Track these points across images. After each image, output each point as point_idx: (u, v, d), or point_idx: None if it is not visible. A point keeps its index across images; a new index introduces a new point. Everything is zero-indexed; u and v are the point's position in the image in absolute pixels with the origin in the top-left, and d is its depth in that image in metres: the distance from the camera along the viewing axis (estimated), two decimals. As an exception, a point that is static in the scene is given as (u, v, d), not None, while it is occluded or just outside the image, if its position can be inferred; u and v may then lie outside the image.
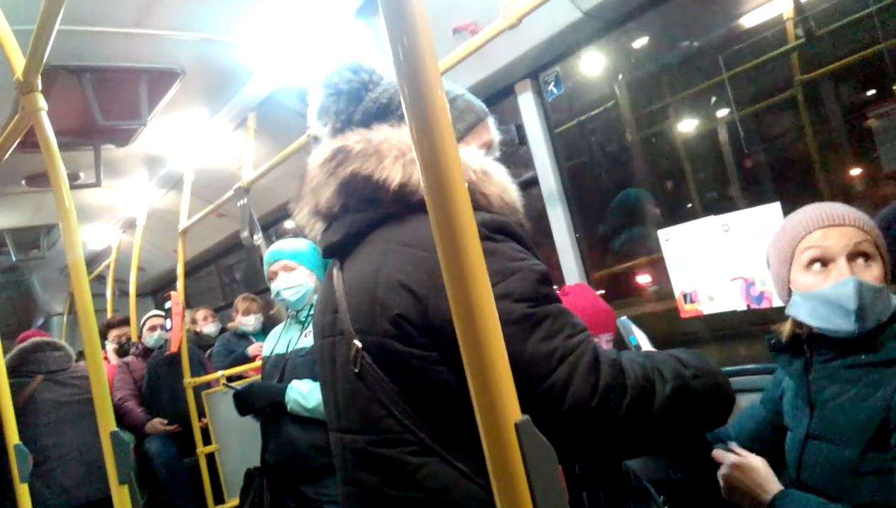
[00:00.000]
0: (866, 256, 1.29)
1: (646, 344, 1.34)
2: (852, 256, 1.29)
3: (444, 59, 2.37)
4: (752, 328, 2.85)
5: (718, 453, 1.40)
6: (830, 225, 1.31)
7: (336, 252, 1.14)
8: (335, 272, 1.13)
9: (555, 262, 3.06)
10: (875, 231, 1.31)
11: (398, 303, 0.95)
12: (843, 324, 1.25)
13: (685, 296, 2.60)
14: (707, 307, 2.54)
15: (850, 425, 1.25)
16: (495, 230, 0.97)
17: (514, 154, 3.24)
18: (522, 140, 3.06)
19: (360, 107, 1.14)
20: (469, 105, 1.23)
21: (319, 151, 1.11)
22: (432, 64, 0.58)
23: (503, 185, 1.08)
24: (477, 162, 1.07)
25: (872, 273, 1.27)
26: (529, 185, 3.19)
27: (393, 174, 1.01)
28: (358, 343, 0.99)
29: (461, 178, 0.59)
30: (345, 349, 1.03)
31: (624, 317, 1.42)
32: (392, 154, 1.03)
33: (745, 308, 2.41)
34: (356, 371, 0.99)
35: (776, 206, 2.26)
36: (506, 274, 0.92)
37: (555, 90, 2.94)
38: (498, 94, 3.11)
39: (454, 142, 0.59)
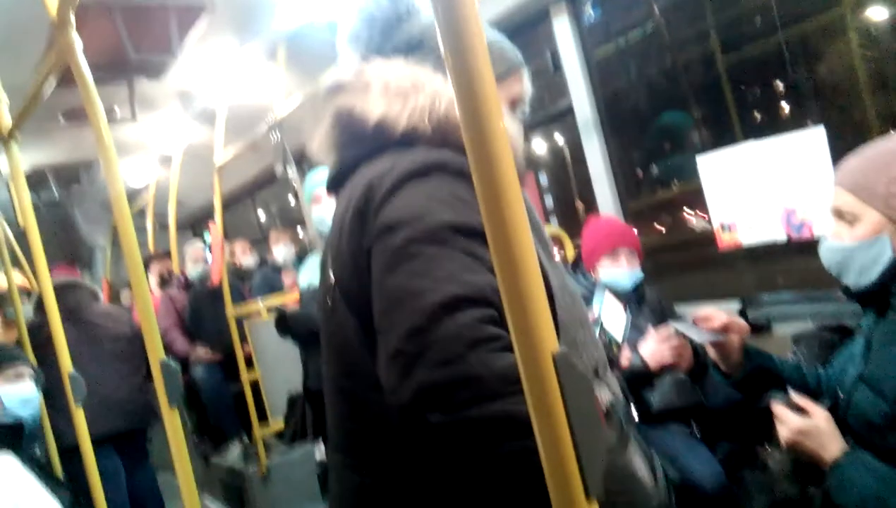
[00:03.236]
0: (845, 216, 1.29)
1: (612, 324, 1.27)
2: (835, 217, 1.32)
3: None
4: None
5: (780, 411, 1.31)
6: (833, 182, 1.33)
7: (331, 187, 1.10)
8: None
9: (590, 193, 3.03)
10: (866, 183, 1.26)
11: (354, 234, 0.91)
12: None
13: (723, 227, 2.56)
14: (746, 237, 2.50)
15: (891, 377, 1.23)
16: (449, 172, 0.89)
17: (549, 82, 3.17)
18: (557, 67, 2.97)
19: (393, 38, 1.06)
20: (501, 53, 1.08)
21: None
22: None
23: (515, 148, 0.92)
24: None
25: (854, 233, 1.28)
26: (564, 115, 3.12)
27: (372, 107, 0.96)
28: (332, 277, 0.96)
29: (497, 103, 0.58)
30: (325, 282, 1.01)
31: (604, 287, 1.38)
32: (378, 87, 0.97)
33: (784, 238, 2.37)
34: (329, 304, 0.97)
35: (820, 130, 2.19)
36: (415, 209, 0.85)
37: (592, 13, 2.84)
38: (532, 19, 3.02)
39: (490, 66, 0.57)
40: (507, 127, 0.96)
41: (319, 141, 1.07)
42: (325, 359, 1.05)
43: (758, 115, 3.27)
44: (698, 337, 1.53)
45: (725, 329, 1.48)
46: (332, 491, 1.05)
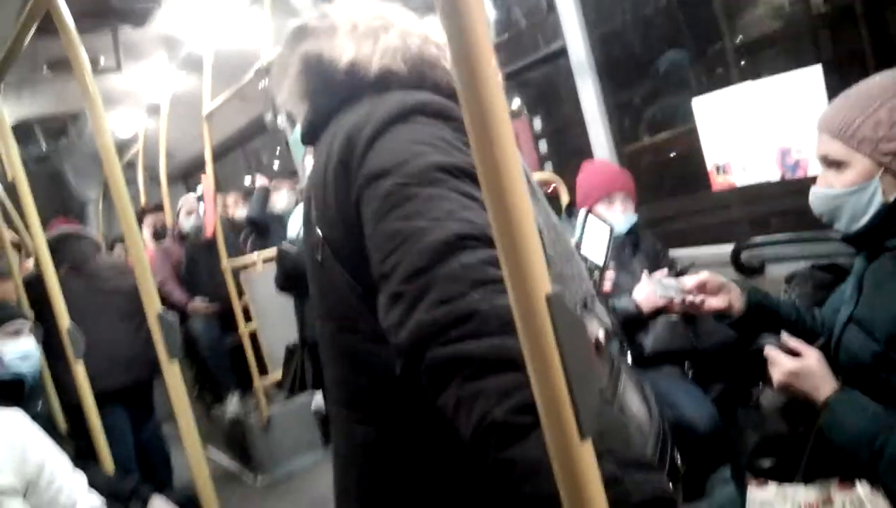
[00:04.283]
0: (833, 163, 1.27)
1: (593, 249, 1.25)
2: (823, 163, 1.30)
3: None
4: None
5: (772, 354, 1.32)
6: (817, 129, 1.30)
7: (306, 140, 1.06)
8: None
9: (585, 137, 3.00)
10: (851, 128, 1.23)
11: (339, 187, 0.87)
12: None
13: (717, 168, 2.55)
14: (740, 178, 2.49)
15: (882, 317, 1.23)
16: (429, 114, 0.85)
17: (542, 23, 3.10)
18: (550, 6, 2.91)
19: None
20: None
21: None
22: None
23: None
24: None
25: (843, 179, 1.26)
26: (557, 56, 3.07)
27: (341, 51, 0.90)
28: (319, 232, 0.93)
29: (486, 36, 0.56)
30: (312, 238, 0.97)
31: (586, 209, 1.35)
32: (346, 28, 0.92)
33: (778, 178, 2.36)
34: (319, 260, 0.94)
35: (817, 69, 2.16)
36: (401, 154, 0.81)
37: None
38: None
39: (482, 5, 0.55)
40: None
41: (289, 90, 1.01)
42: (318, 316, 1.03)
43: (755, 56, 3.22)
44: (671, 292, 1.54)
45: (701, 288, 1.48)
46: (337, 445, 1.05)
